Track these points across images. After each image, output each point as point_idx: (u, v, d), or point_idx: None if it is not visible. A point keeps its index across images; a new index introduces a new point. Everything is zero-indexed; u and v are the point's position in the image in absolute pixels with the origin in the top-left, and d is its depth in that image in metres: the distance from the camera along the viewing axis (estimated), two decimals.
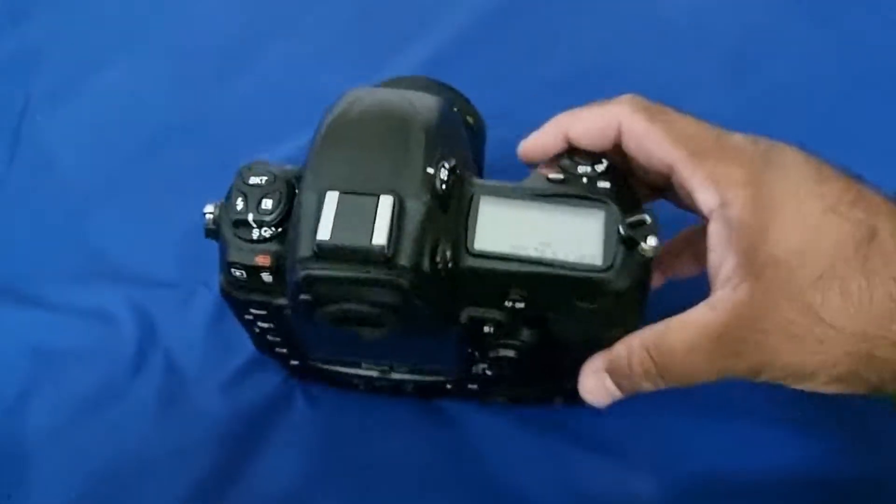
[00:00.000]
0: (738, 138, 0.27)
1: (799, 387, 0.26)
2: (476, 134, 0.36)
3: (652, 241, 0.26)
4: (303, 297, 0.25)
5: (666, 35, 0.49)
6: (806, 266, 0.24)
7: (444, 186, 0.25)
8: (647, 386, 0.27)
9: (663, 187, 0.29)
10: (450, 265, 0.26)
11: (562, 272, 0.26)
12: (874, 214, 0.24)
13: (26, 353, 0.39)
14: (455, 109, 0.33)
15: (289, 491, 0.36)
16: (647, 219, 0.26)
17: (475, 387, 0.34)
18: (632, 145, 0.28)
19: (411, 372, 0.34)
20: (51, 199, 0.45)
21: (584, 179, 0.28)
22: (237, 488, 0.36)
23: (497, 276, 0.26)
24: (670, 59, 0.47)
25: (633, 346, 0.27)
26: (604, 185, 0.27)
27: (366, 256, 0.24)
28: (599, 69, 0.47)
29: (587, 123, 0.28)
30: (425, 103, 0.27)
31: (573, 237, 0.27)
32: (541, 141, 0.29)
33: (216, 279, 0.30)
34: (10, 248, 0.43)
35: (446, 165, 0.26)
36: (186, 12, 0.52)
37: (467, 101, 0.36)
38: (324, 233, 0.24)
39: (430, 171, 0.25)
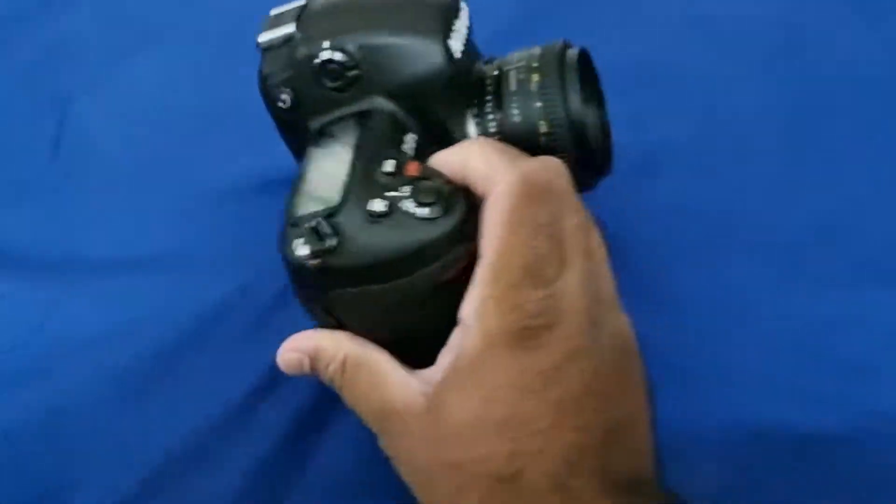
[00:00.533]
0: (531, 300, 0.24)
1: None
2: None
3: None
4: None
5: (707, 31, 0.47)
6: (456, 447, 0.24)
7: None
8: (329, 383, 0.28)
9: None
10: None
11: None
12: (542, 456, 0.23)
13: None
14: None
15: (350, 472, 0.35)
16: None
17: None
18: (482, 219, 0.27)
19: None
20: (94, 189, 0.45)
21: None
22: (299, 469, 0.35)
23: None
24: (712, 54, 0.46)
25: (339, 352, 0.28)
26: None
27: None
28: (642, 65, 0.45)
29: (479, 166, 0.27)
30: None
31: None
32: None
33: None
34: (60, 230, 0.43)
35: None
36: (218, 3, 0.52)
37: None
38: None
39: None
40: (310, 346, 0.28)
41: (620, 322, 0.26)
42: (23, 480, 0.35)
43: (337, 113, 0.29)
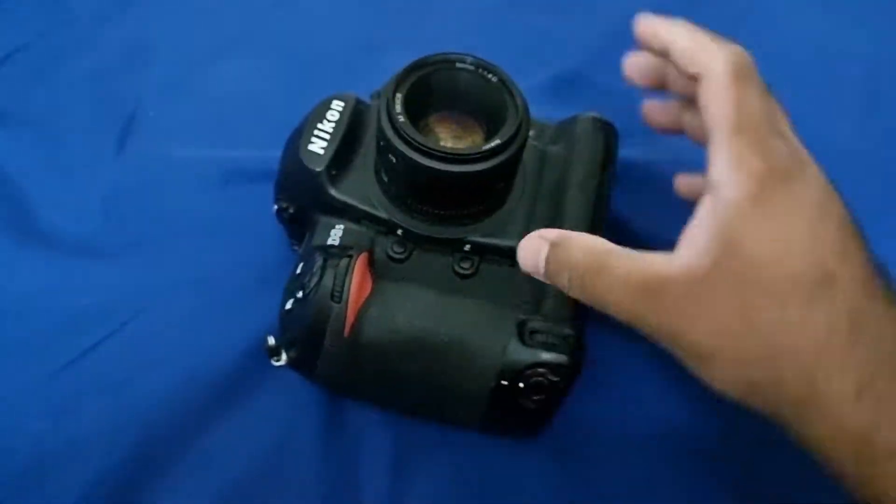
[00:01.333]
0: (786, 139, 0.27)
1: (695, 370, 0.27)
2: None
3: None
4: None
5: (793, 70, 0.47)
6: (767, 270, 0.25)
7: None
8: (564, 281, 0.29)
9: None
10: None
11: None
12: (846, 263, 0.26)
13: None
14: None
15: None
16: None
17: None
18: (701, 96, 0.28)
19: None
20: (160, 192, 0.45)
21: None
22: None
23: None
24: (799, 92, 0.46)
25: (583, 242, 0.29)
26: None
27: None
28: None
29: (687, 54, 0.29)
30: None
31: None
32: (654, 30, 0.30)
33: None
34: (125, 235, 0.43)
35: None
36: (302, 13, 0.52)
37: None
38: None
39: None
40: (553, 235, 0.30)
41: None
42: None
43: None
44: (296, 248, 0.37)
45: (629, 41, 0.32)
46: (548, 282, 0.30)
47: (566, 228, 0.32)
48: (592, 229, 0.34)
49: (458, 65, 0.33)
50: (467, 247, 0.34)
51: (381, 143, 0.32)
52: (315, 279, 0.31)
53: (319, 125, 0.35)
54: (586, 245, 0.29)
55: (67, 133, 0.47)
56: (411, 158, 0.30)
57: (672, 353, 0.27)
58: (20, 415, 0.37)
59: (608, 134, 0.38)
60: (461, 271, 0.34)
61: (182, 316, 0.40)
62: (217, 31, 0.51)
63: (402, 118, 0.30)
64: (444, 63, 0.33)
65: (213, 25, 0.52)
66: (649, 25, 0.30)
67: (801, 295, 0.25)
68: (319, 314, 0.30)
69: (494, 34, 0.52)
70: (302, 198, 0.35)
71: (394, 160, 0.31)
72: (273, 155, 0.43)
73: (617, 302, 0.27)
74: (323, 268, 0.31)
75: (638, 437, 0.38)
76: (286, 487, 0.36)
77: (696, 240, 0.26)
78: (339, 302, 0.30)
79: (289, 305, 0.32)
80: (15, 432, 0.37)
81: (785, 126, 0.28)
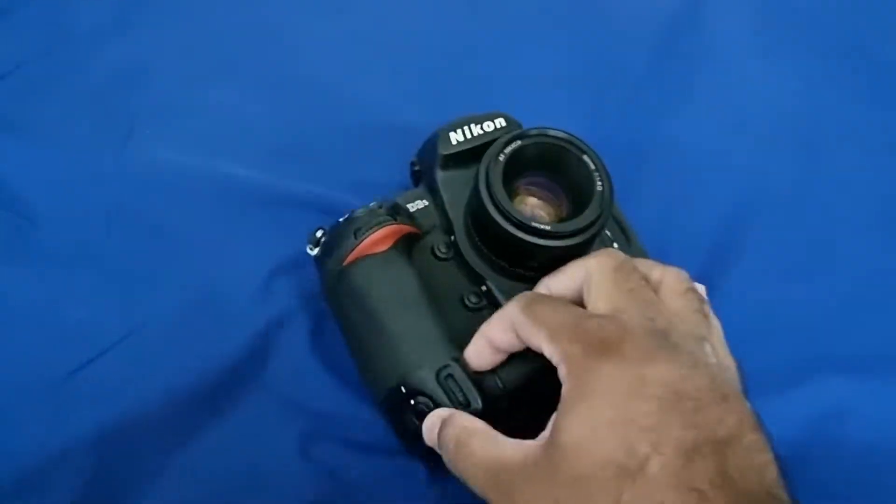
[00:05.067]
0: (591, 323, 0.28)
1: None
2: None
3: None
4: None
5: (742, 123, 0.53)
6: (573, 461, 0.25)
7: None
8: (444, 454, 0.31)
9: None
10: None
11: None
12: (659, 449, 0.24)
13: None
14: None
15: None
16: None
17: None
18: (520, 336, 0.31)
19: None
20: (155, 207, 0.46)
21: None
22: None
23: None
24: (747, 145, 0.52)
25: (456, 422, 0.31)
26: None
27: None
28: (687, 153, 0.52)
29: (495, 333, 0.32)
30: None
31: None
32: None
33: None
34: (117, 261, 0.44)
35: None
36: (293, 38, 0.54)
37: None
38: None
39: None
40: (445, 413, 0.32)
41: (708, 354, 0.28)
42: None
43: None
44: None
45: None
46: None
47: None
48: None
49: (553, 139, 0.36)
50: (484, 287, 0.37)
51: (475, 203, 0.35)
52: (359, 214, 0.38)
53: (473, 125, 0.39)
54: (461, 424, 0.31)
55: (66, 147, 0.48)
56: (500, 225, 0.34)
57: None
58: (17, 423, 0.39)
59: None
60: (467, 303, 0.37)
61: (175, 329, 0.42)
62: (213, 53, 0.53)
63: (499, 192, 0.34)
64: (541, 136, 0.36)
65: (209, 48, 0.53)
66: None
67: (606, 486, 0.24)
68: (341, 236, 0.37)
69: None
70: (423, 164, 0.41)
71: (482, 220, 0.35)
72: (264, 174, 0.47)
73: (472, 479, 0.29)
74: (370, 213, 0.38)
75: None
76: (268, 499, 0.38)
77: (547, 429, 0.28)
78: (356, 238, 0.37)
79: (342, 218, 0.39)
80: (11, 439, 0.38)
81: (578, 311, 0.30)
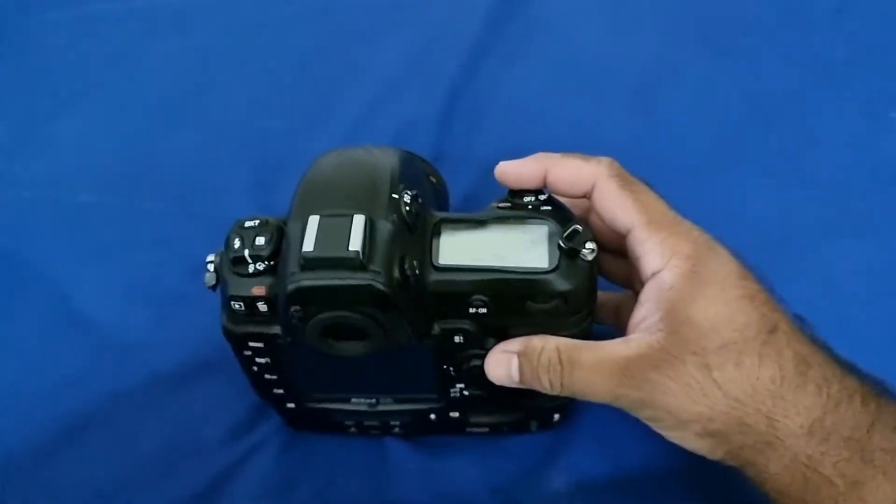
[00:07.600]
0: (689, 223, 0.32)
1: (670, 433, 0.30)
2: (439, 192, 0.40)
3: (589, 246, 0.30)
4: (293, 309, 0.29)
5: (578, 75, 0.56)
6: (715, 333, 0.29)
7: (408, 209, 0.30)
8: (544, 384, 0.31)
9: (612, 248, 0.34)
10: (418, 276, 0.30)
11: (514, 276, 0.30)
12: (777, 313, 0.30)
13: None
14: (417, 164, 0.37)
15: None
16: (580, 228, 0.31)
17: (456, 415, 0.37)
18: (600, 203, 0.32)
19: (397, 402, 0.37)
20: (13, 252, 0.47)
21: (529, 207, 0.33)
22: None
23: (460, 286, 0.30)
24: (582, 96, 0.54)
25: (549, 344, 0.31)
26: (545, 208, 0.32)
27: (344, 263, 0.28)
28: (523, 109, 0.53)
29: (569, 171, 0.32)
30: (388, 152, 0.32)
31: (522, 248, 0.31)
32: (521, 169, 0.33)
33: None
34: None
35: (409, 193, 0.30)
36: (134, 65, 0.57)
37: (430, 164, 0.40)
38: (308, 246, 0.28)
39: (395, 196, 0.30)
40: (517, 347, 0.32)
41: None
42: None
43: None
44: None
45: None
46: (522, 386, 0.32)
47: None
48: None
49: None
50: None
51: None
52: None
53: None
54: (556, 347, 0.31)
55: None
56: None
57: (647, 422, 0.31)
58: None
59: None
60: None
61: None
62: (56, 88, 0.56)
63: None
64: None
65: (52, 83, 0.56)
66: (513, 168, 0.33)
67: (752, 349, 0.29)
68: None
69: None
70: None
71: None
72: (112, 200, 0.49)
73: (596, 389, 0.30)
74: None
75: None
76: None
77: (646, 321, 0.30)
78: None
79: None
80: None
81: (673, 210, 0.32)
